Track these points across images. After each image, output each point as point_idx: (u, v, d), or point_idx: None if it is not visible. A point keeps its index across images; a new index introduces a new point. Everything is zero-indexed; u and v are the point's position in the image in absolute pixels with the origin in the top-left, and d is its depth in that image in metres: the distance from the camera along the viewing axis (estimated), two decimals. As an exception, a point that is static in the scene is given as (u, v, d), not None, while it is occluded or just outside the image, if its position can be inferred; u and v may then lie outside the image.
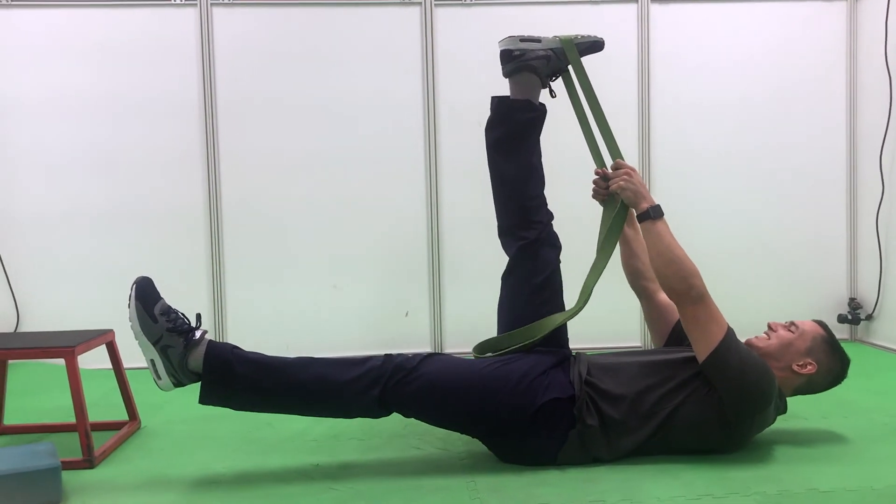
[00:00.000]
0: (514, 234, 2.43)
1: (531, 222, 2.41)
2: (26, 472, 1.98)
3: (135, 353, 3.19)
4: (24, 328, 3.82)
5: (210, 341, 2.19)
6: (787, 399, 2.34)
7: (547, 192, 2.50)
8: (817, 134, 4.05)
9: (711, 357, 2.16)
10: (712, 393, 2.17)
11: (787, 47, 4.02)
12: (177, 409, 3.00)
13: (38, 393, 3.32)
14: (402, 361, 2.22)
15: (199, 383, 2.18)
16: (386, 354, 2.25)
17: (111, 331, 2.67)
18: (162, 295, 2.20)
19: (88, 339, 2.47)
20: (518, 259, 2.42)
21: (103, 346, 2.65)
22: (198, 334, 2.17)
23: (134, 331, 2.14)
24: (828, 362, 2.32)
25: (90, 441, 2.32)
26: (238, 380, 2.16)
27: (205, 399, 2.19)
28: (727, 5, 3.99)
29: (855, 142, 4.06)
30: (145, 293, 2.15)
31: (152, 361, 2.15)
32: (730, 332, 2.20)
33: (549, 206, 2.48)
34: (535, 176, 2.45)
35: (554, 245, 2.44)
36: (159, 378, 2.16)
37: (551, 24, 3.73)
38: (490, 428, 2.24)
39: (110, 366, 2.71)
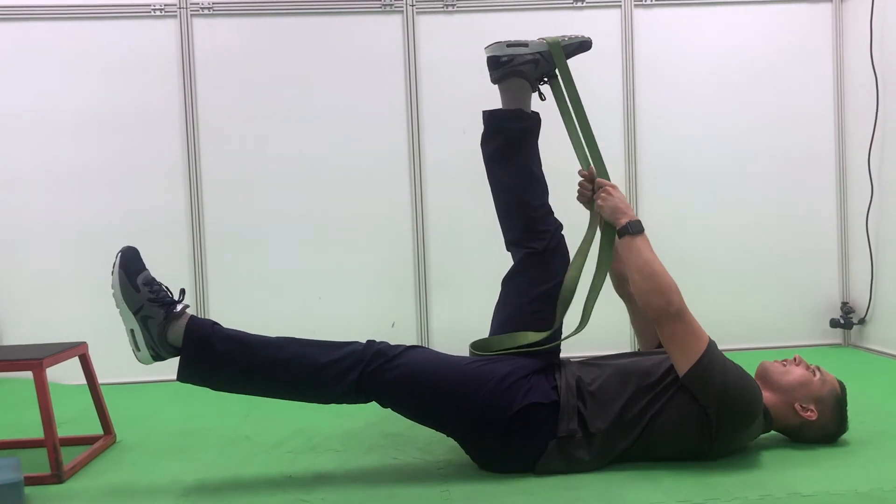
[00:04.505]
0: (521, 245, 2.38)
1: (538, 232, 2.35)
2: (-13, 486, 1.93)
3: (111, 367, 3.20)
4: (4, 343, 3.77)
5: (191, 316, 2.17)
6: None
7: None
8: (805, 136, 4.02)
9: (692, 371, 2.11)
10: (693, 400, 2.13)
11: (773, 50, 3.99)
12: (155, 424, 2.96)
13: (13, 409, 3.27)
14: (383, 348, 2.19)
15: (178, 359, 2.15)
16: (369, 340, 2.21)
17: (84, 343, 2.62)
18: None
19: (57, 351, 2.42)
20: (523, 265, 2.37)
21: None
22: (179, 308, 2.15)
23: (115, 299, 2.12)
24: (828, 419, 2.29)
25: (59, 455, 2.27)
26: (217, 356, 2.13)
27: (182, 375, 2.16)
28: (711, 9, 3.97)
29: (843, 144, 4.02)
30: (129, 262, 2.13)
31: (132, 332, 2.13)
32: (711, 346, 2.14)
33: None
34: (536, 184, 2.40)
35: (563, 257, 2.38)
36: (138, 350, 2.13)
37: (534, 30, 3.72)
38: (466, 427, 2.18)
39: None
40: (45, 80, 3.78)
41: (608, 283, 2.42)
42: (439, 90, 3.88)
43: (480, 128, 2.45)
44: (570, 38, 2.40)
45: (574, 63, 2.42)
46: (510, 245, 2.44)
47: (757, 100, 3.99)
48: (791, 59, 4.00)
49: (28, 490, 2.07)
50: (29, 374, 2.33)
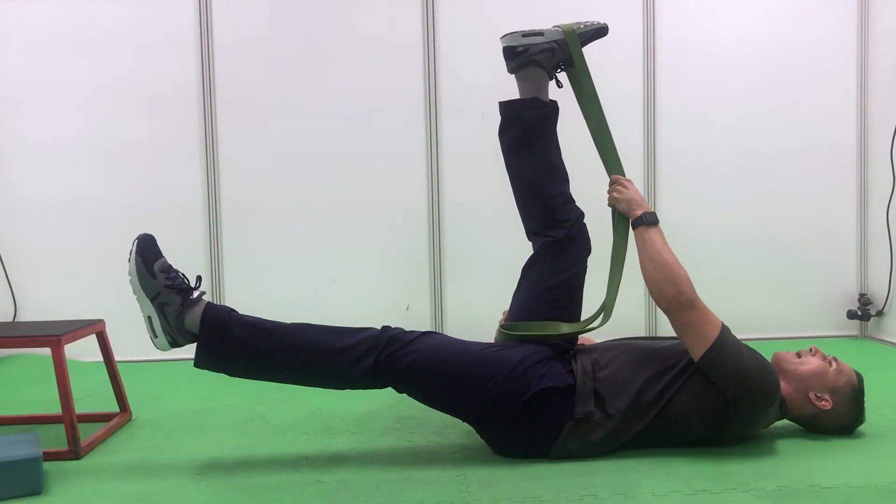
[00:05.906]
0: (540, 234, 2.36)
1: (557, 221, 2.34)
2: (5, 461, 1.94)
3: (127, 345, 3.21)
4: (20, 320, 3.80)
5: (208, 302, 2.17)
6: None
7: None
8: (827, 125, 3.97)
9: (707, 356, 2.10)
10: (709, 384, 2.12)
11: (796, 36, 3.94)
12: (170, 402, 2.98)
13: (31, 384, 3.30)
14: (398, 333, 2.19)
15: (195, 345, 2.16)
16: (384, 326, 2.21)
17: (101, 321, 2.63)
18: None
19: (75, 328, 2.43)
20: (543, 252, 2.35)
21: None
22: (196, 294, 2.15)
23: (132, 286, 2.13)
24: (844, 410, 2.27)
25: (76, 432, 2.28)
26: (234, 342, 2.14)
27: (199, 362, 2.16)
28: (735, -5, 3.93)
29: (865, 134, 3.97)
30: (146, 249, 2.14)
31: (149, 318, 2.14)
32: (724, 330, 2.14)
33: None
34: (554, 173, 2.38)
35: (583, 246, 2.37)
36: (155, 336, 2.15)
37: (555, 15, 3.69)
38: (481, 412, 2.18)
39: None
40: (63, 57, 3.78)
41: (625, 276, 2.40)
42: (458, 74, 3.85)
43: (499, 113, 2.43)
44: (585, 24, 2.37)
45: (593, 49, 2.40)
46: (530, 234, 2.42)
47: (778, 89, 3.94)
48: (814, 46, 3.95)
49: (46, 465, 2.07)
50: (47, 351, 2.35)
